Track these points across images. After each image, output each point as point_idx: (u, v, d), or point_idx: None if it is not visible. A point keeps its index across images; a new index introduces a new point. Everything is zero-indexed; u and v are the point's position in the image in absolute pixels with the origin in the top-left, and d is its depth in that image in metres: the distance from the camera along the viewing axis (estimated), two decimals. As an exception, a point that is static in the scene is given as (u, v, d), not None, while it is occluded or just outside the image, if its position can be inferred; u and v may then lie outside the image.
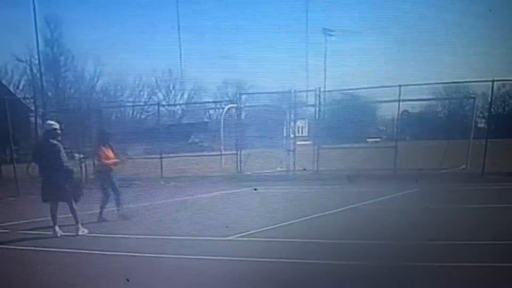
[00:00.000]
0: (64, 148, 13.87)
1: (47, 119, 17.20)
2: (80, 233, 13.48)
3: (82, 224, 13.68)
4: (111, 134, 16.74)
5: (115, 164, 15.83)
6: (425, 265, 9.43)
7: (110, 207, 15.46)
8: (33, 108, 45.30)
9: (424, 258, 9.88)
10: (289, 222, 14.09)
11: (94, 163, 16.90)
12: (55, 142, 13.62)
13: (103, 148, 15.67)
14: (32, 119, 42.70)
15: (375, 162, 24.99)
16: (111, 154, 15.68)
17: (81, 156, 23.58)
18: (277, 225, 13.68)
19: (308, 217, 14.85)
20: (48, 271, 10.17)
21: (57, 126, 13.92)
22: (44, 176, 13.83)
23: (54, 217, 13.57)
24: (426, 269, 9.23)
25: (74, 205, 13.66)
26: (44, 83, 48.15)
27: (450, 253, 10.33)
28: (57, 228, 13.42)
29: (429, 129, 33.35)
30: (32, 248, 12.26)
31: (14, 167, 24.69)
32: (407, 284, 8.52)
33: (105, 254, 11.32)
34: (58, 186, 13.52)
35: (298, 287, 8.69)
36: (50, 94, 50.05)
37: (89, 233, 13.54)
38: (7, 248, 12.39)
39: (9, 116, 25.46)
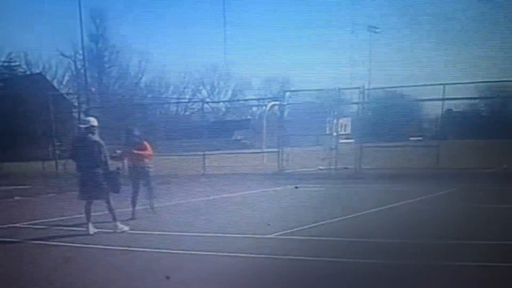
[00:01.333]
0: (107, 144, 13.92)
1: (86, 116, 17.27)
2: (118, 230, 13.52)
3: (120, 221, 13.78)
4: (146, 130, 16.56)
5: (150, 160, 15.96)
6: (464, 264, 9.46)
7: (143, 204, 15.67)
8: (76, 103, 45.90)
9: (463, 257, 9.93)
10: (329, 221, 14.13)
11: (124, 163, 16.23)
12: (96, 139, 13.57)
13: (141, 144, 15.80)
14: (75, 114, 43.19)
15: (417, 161, 24.85)
16: (146, 152, 15.80)
17: (123, 152, 23.89)
18: (317, 224, 13.72)
19: (348, 216, 14.87)
20: (82, 267, 10.34)
21: (96, 122, 13.85)
22: (82, 173, 13.69)
23: (88, 214, 13.59)
24: (465, 269, 9.26)
25: (111, 203, 13.69)
26: (88, 79, 48.59)
27: (489, 253, 10.30)
28: (90, 226, 13.47)
29: (472, 128, 32.98)
30: (68, 244, 12.43)
31: (56, 163, 24.76)
32: (449, 284, 8.59)
33: (145, 251, 11.46)
34: (95, 183, 13.47)
35: (338, 286, 8.75)
36: (93, 89, 50.41)
37: (129, 230, 13.62)
38: (44, 244, 12.56)
39: (53, 112, 25.54)
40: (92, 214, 13.65)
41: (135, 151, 15.61)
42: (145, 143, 15.97)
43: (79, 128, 15.32)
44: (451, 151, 25.98)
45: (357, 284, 8.79)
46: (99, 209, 13.90)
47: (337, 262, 10.07)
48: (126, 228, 13.70)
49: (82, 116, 40.20)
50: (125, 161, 15.94)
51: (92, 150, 13.46)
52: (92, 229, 13.44)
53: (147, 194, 15.77)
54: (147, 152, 15.83)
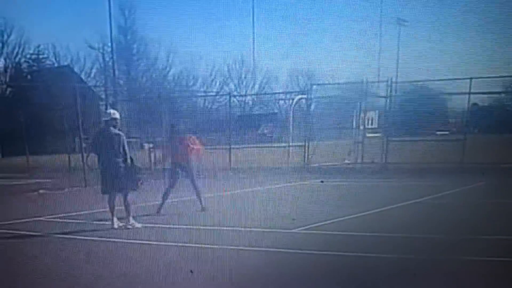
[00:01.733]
0: (134, 137, 13.91)
1: (108, 108, 17.15)
2: (129, 226, 13.48)
3: (134, 217, 13.73)
4: (176, 127, 16.47)
5: (197, 155, 15.89)
6: (488, 259, 9.44)
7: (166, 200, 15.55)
8: (103, 96, 46.09)
9: (487, 252, 9.88)
10: (354, 216, 14.14)
11: (164, 157, 16.39)
12: (117, 131, 13.51)
13: (187, 137, 15.76)
14: (102, 107, 43.32)
15: (443, 155, 24.68)
16: (192, 146, 15.63)
17: (151, 146, 23.78)
18: (342, 218, 13.76)
19: (374, 211, 14.83)
20: (105, 261, 10.47)
21: (117, 115, 13.80)
22: (104, 167, 13.61)
23: (112, 208, 13.60)
24: (489, 263, 9.25)
25: (129, 198, 13.65)
26: (116, 71, 48.81)
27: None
28: (115, 219, 13.50)
29: (498, 123, 32.68)
30: (92, 238, 12.54)
31: (82, 156, 24.66)
32: (473, 279, 8.54)
33: (169, 245, 11.53)
34: (116, 177, 13.44)
35: (362, 280, 8.74)
36: (121, 82, 50.61)
37: (142, 227, 13.57)
38: (68, 238, 12.66)
39: (79, 105, 25.61)
40: (118, 208, 13.67)
41: (181, 145, 15.51)
42: (193, 137, 15.99)
43: (101, 121, 15.15)
44: (477, 146, 25.75)
45: (382, 278, 8.81)
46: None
47: (360, 257, 10.11)
48: (138, 225, 13.63)
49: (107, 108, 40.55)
50: (166, 156, 16.10)
51: (112, 143, 13.40)
52: (116, 223, 13.50)
53: (194, 191, 15.68)
54: (195, 147, 15.71)
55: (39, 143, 33.07)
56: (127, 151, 13.58)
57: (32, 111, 35.72)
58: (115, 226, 13.42)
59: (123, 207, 13.69)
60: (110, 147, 13.39)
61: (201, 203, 15.48)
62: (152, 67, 52.41)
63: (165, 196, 15.44)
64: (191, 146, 15.51)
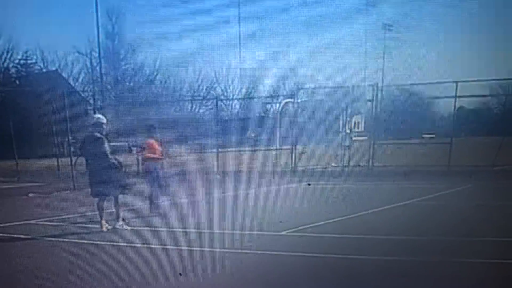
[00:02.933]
0: (122, 141, 14.02)
1: (96, 113, 17.20)
2: (117, 226, 13.50)
3: (124, 220, 13.74)
4: (156, 127, 16.48)
5: (160, 159, 15.91)
6: (476, 261, 9.45)
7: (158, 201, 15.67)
8: (91, 101, 46.03)
9: (475, 254, 9.89)
10: (341, 218, 14.15)
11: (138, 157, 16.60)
12: (99, 135, 13.55)
13: (150, 141, 15.70)
14: (91, 112, 43.26)
15: (430, 158, 24.80)
16: (157, 148, 15.68)
17: (138, 149, 23.80)
18: (329, 221, 13.73)
19: (361, 213, 14.86)
20: (94, 264, 10.34)
21: (104, 120, 13.92)
22: (90, 170, 13.76)
23: (101, 211, 13.60)
24: (477, 266, 9.23)
25: (119, 200, 13.67)
26: (104, 76, 48.78)
27: (502, 250, 10.25)
28: (103, 223, 13.48)
29: (484, 126, 32.91)
30: (81, 241, 12.43)
31: (71, 160, 24.52)
32: (460, 281, 8.55)
33: (157, 248, 11.51)
34: (103, 180, 13.47)
35: (349, 283, 8.71)
36: (109, 87, 50.57)
37: (130, 229, 13.55)
38: (56, 241, 12.63)
39: (68, 109, 25.60)
40: (107, 211, 13.69)
41: (151, 145, 15.64)
42: (158, 138, 15.99)
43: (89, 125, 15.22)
44: (464, 148, 25.93)
45: (368, 281, 8.77)
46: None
47: (347, 259, 10.08)
48: (127, 226, 13.62)
49: (96, 113, 40.48)
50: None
51: (97, 147, 13.46)
52: (105, 226, 13.46)
53: (156, 191, 15.68)
54: (158, 148, 15.73)
55: (28, 147, 33.06)
56: (109, 155, 13.57)
57: (20, 116, 35.66)
58: (104, 229, 13.38)
59: (112, 210, 13.67)
60: (96, 151, 13.45)
61: (151, 208, 15.54)
62: (140, 72, 52.51)
63: (151, 197, 15.54)
64: (153, 148, 15.63)
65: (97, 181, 13.56)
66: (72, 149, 25.97)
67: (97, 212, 13.67)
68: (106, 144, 13.57)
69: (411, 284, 8.50)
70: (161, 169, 16.00)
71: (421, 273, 8.99)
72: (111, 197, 13.71)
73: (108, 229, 13.42)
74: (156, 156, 15.73)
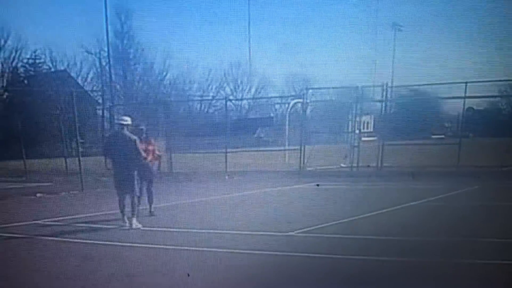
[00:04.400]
0: None
1: (122, 115, 17.40)
2: (134, 226, 13.85)
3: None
4: (144, 129, 15.90)
5: (153, 159, 15.65)
6: (484, 262, 9.48)
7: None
8: (100, 101, 46.03)
9: (483, 255, 9.90)
10: (350, 219, 14.16)
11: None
12: (132, 136, 14.08)
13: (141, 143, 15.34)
14: (99, 112, 43.22)
15: (438, 159, 24.75)
16: (149, 148, 15.45)
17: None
18: (338, 222, 13.77)
19: (370, 214, 14.86)
20: (102, 263, 10.50)
21: (130, 121, 14.36)
22: (118, 169, 14.14)
23: (123, 207, 14.11)
24: (485, 267, 9.28)
25: (138, 198, 14.21)
26: (113, 76, 48.73)
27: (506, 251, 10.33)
28: (126, 219, 13.94)
29: (494, 127, 32.76)
30: (90, 241, 12.52)
31: (79, 160, 24.61)
32: (469, 282, 8.57)
33: (166, 248, 11.56)
34: (131, 178, 14.03)
35: (358, 284, 8.73)
36: (118, 87, 50.54)
37: (142, 227, 13.89)
38: (65, 241, 12.70)
39: (76, 109, 25.61)
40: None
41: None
42: (151, 139, 15.84)
43: (116, 126, 15.58)
44: (473, 149, 25.84)
45: (377, 282, 8.82)
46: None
47: (355, 260, 10.13)
48: (140, 225, 13.95)
49: (106, 113, 40.44)
50: None
51: (129, 147, 13.95)
52: (134, 223, 13.97)
53: (147, 195, 15.57)
54: (150, 149, 15.53)
55: (36, 147, 33.03)
56: (142, 153, 14.19)
57: (29, 115, 35.65)
58: (132, 226, 13.88)
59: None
60: (128, 150, 13.95)
61: (149, 210, 15.51)
62: (149, 71, 52.32)
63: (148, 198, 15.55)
64: (148, 149, 15.38)
65: (125, 179, 14.00)
66: (80, 149, 26.00)
67: (106, 212, 14.02)
68: (138, 143, 14.04)
69: (419, 285, 8.54)
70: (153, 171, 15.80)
71: (429, 274, 9.03)
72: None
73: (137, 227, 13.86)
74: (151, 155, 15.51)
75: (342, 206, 16.50)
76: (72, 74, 49.67)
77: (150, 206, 15.49)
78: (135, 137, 14.11)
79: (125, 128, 14.16)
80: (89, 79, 51.26)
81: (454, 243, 11.12)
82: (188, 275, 9.16)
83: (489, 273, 8.96)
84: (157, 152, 15.79)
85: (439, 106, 32.85)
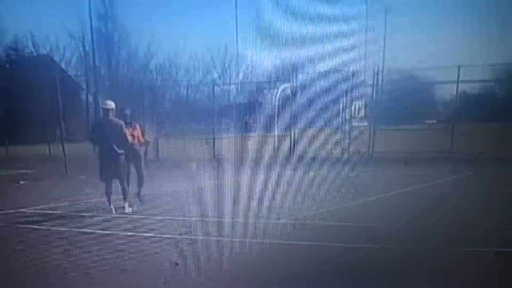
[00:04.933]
0: None
1: (106, 99, 17.46)
2: (126, 211, 14.23)
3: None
4: (128, 113, 15.67)
5: (140, 144, 15.60)
6: (476, 250, 9.59)
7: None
8: (84, 86, 45.89)
9: (475, 243, 10.02)
10: (340, 206, 14.25)
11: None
12: (118, 120, 14.33)
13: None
14: (83, 97, 43.13)
15: (431, 144, 24.85)
16: (134, 134, 15.35)
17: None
18: (328, 209, 13.85)
19: (360, 201, 14.95)
20: (88, 251, 10.56)
21: (114, 106, 14.56)
22: (103, 154, 14.37)
23: (109, 193, 14.41)
24: (476, 254, 9.39)
25: (127, 183, 14.47)
26: (97, 61, 48.53)
27: (503, 239, 10.39)
28: (112, 206, 14.23)
29: (487, 111, 32.86)
30: (78, 229, 12.59)
31: (63, 146, 24.92)
32: (461, 269, 8.65)
33: (153, 236, 11.62)
34: (118, 163, 14.31)
35: (350, 271, 8.77)
36: (102, 72, 50.36)
37: (132, 212, 14.21)
38: (51, 229, 12.76)
39: (60, 94, 25.55)
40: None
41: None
42: (136, 124, 15.71)
43: (101, 111, 15.67)
44: (466, 134, 25.94)
45: (368, 269, 8.87)
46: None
47: (346, 248, 10.25)
48: (131, 209, 14.36)
49: (90, 98, 40.34)
50: None
51: (115, 132, 14.23)
52: (128, 209, 14.39)
53: (137, 179, 15.55)
54: (135, 134, 15.41)
55: (19, 133, 32.99)
56: (129, 138, 14.47)
57: (11, 101, 35.56)
58: (125, 210, 14.26)
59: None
60: (112, 134, 14.21)
61: (138, 196, 15.45)
62: (134, 56, 52.13)
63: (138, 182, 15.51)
64: (133, 134, 15.28)
65: (110, 165, 14.27)
66: (64, 135, 25.97)
67: (92, 200, 14.02)
68: (124, 128, 14.32)
69: (412, 273, 8.56)
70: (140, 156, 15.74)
71: (421, 261, 9.11)
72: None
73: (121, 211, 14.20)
74: (137, 141, 15.45)
75: (333, 193, 16.50)
76: (55, 59, 49.47)
77: (139, 190, 15.45)
78: (121, 122, 14.32)
79: (110, 113, 14.33)
80: (72, 64, 51.04)
81: (448, 230, 11.17)
82: (176, 263, 9.21)
83: (484, 260, 9.05)
84: (142, 138, 15.65)
85: (432, 90, 32.99)
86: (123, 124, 14.35)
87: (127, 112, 15.44)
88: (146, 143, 16.15)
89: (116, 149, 14.21)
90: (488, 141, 24.59)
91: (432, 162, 22.73)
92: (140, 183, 15.51)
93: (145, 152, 16.28)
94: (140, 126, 15.88)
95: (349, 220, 12.63)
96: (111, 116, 14.33)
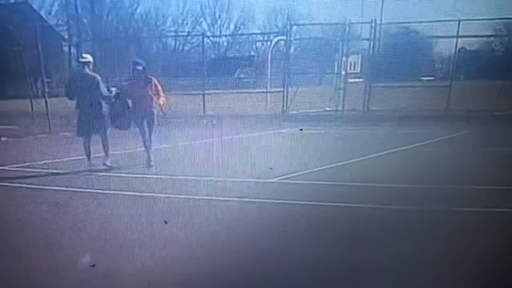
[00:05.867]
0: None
1: (81, 53, 17.59)
2: (108, 163, 14.63)
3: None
4: (141, 68, 15.25)
5: (159, 102, 15.04)
6: (472, 210, 9.89)
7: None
8: (66, 36, 45.63)
9: (471, 202, 10.33)
10: (335, 165, 14.45)
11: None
12: (93, 74, 14.59)
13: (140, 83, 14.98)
14: (66, 48, 42.92)
15: (427, 102, 25.11)
16: (152, 89, 14.91)
17: (118, 90, 23.96)
18: (322, 167, 14.05)
19: (354, 160, 15.15)
20: (76, 210, 10.70)
21: (91, 58, 14.85)
22: (81, 109, 14.72)
23: (88, 149, 14.72)
24: (474, 214, 9.66)
25: (108, 137, 14.77)
26: (79, 9, 48.18)
27: (501, 198, 10.72)
28: (91, 161, 14.63)
29: (486, 68, 32.96)
30: (62, 188, 12.66)
31: (46, 101, 24.77)
32: (458, 229, 8.88)
33: (142, 196, 11.73)
34: (96, 118, 14.58)
35: (343, 231, 9.00)
36: (85, 21, 49.97)
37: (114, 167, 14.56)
38: (34, 188, 12.87)
39: (41, 45, 25.53)
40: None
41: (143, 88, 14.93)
42: (152, 78, 15.15)
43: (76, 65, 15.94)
44: (463, 92, 26.14)
45: (358, 228, 9.14)
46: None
47: (339, 207, 10.46)
48: (110, 164, 14.68)
49: (72, 49, 40.23)
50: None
51: (90, 85, 14.43)
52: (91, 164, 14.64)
53: (144, 142, 15.19)
54: (154, 89, 14.94)
55: (-3, 87, 32.93)
56: (104, 91, 14.66)
57: (-14, 53, 35.45)
58: (92, 166, 14.54)
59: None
60: (90, 88, 14.42)
61: (149, 158, 15.04)
62: (118, 4, 51.72)
63: (146, 146, 15.15)
64: (154, 89, 14.97)
65: (88, 119, 14.61)
66: (47, 89, 25.94)
67: (76, 157, 14.29)
68: (101, 82, 14.60)
69: (406, 233, 8.78)
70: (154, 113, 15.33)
71: (417, 221, 9.35)
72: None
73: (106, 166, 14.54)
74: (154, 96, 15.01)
75: (326, 152, 16.72)
76: (35, 7, 48.99)
77: (147, 152, 15.09)
78: (96, 75, 14.62)
79: (86, 66, 14.66)
80: (53, 12, 50.60)
81: (445, 190, 11.44)
82: (166, 222, 9.40)
83: (479, 220, 9.31)
84: (160, 94, 15.09)
85: (430, 45, 33.08)
86: (99, 77, 14.62)
87: (140, 67, 15.17)
88: (166, 99, 15.67)
89: (93, 103, 14.53)
90: (486, 99, 24.84)
91: (429, 120, 23.00)
92: (147, 145, 15.17)
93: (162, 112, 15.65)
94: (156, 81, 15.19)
95: (343, 179, 12.83)
96: (87, 69, 14.63)
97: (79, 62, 15.02)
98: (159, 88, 14.94)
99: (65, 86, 15.33)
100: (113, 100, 14.93)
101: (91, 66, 14.77)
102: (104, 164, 14.60)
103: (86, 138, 14.71)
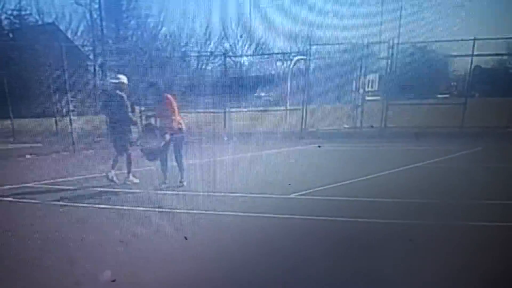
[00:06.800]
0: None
1: (116, 73, 17.89)
2: (129, 182, 14.80)
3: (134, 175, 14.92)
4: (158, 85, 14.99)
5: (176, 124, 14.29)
6: (485, 224, 9.85)
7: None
8: (91, 56, 45.95)
9: (484, 217, 10.30)
10: (353, 180, 14.47)
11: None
12: (120, 93, 14.85)
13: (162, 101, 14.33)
14: (91, 68, 43.21)
15: (443, 119, 25.08)
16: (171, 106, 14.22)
17: (142, 109, 24.07)
18: (340, 183, 14.05)
19: (371, 176, 15.12)
20: (97, 226, 10.74)
21: (125, 80, 15.12)
22: (111, 127, 15.56)
23: (115, 163, 14.85)
24: (485, 229, 9.63)
25: (131, 155, 14.92)
26: (104, 30, 48.55)
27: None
28: (113, 172, 14.71)
29: (500, 86, 32.88)
30: (83, 204, 12.71)
31: (70, 120, 24.74)
32: (470, 243, 8.84)
33: (163, 211, 11.77)
34: (122, 137, 14.86)
35: (360, 246, 8.97)
36: (110, 41, 50.23)
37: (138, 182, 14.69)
38: (58, 204, 12.83)
39: (66, 65, 25.66)
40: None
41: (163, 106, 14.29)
42: (167, 96, 14.39)
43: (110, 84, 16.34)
44: (478, 109, 26.05)
45: (377, 244, 9.08)
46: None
47: (357, 223, 10.43)
48: (136, 180, 14.86)
49: (97, 69, 40.47)
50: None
51: (118, 104, 14.80)
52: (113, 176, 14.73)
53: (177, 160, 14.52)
54: (169, 107, 14.18)
55: (24, 106, 33.07)
56: (129, 110, 14.87)
57: (15, 72, 35.72)
58: (110, 177, 14.64)
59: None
60: (116, 108, 14.82)
61: (182, 177, 14.49)
62: (143, 25, 52.03)
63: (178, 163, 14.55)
64: (170, 107, 14.24)
65: (117, 137, 15.02)
66: (71, 108, 26.06)
67: (99, 174, 14.49)
68: (125, 101, 14.83)
69: (419, 247, 8.76)
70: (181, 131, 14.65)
71: (430, 236, 9.33)
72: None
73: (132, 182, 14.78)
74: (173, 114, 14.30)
75: (344, 168, 16.76)
76: (61, 28, 49.36)
77: (180, 175, 14.53)
78: (122, 95, 14.88)
79: (118, 87, 14.97)
80: (79, 33, 50.93)
81: (459, 205, 11.38)
82: (186, 238, 9.37)
83: (491, 235, 9.28)
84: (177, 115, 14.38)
85: (446, 64, 33.07)
86: (125, 97, 14.85)
87: (153, 88, 14.76)
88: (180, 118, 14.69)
89: (120, 122, 14.86)
90: (500, 115, 24.74)
91: (444, 137, 23.00)
92: (180, 169, 14.54)
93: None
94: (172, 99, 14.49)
95: (361, 195, 12.84)
96: (117, 90, 14.93)
97: (111, 83, 15.65)
98: (175, 106, 14.31)
99: (100, 104, 15.81)
100: (136, 120, 15.43)
101: (124, 86, 15.07)
102: (127, 181, 14.78)
103: (118, 154, 14.97)
